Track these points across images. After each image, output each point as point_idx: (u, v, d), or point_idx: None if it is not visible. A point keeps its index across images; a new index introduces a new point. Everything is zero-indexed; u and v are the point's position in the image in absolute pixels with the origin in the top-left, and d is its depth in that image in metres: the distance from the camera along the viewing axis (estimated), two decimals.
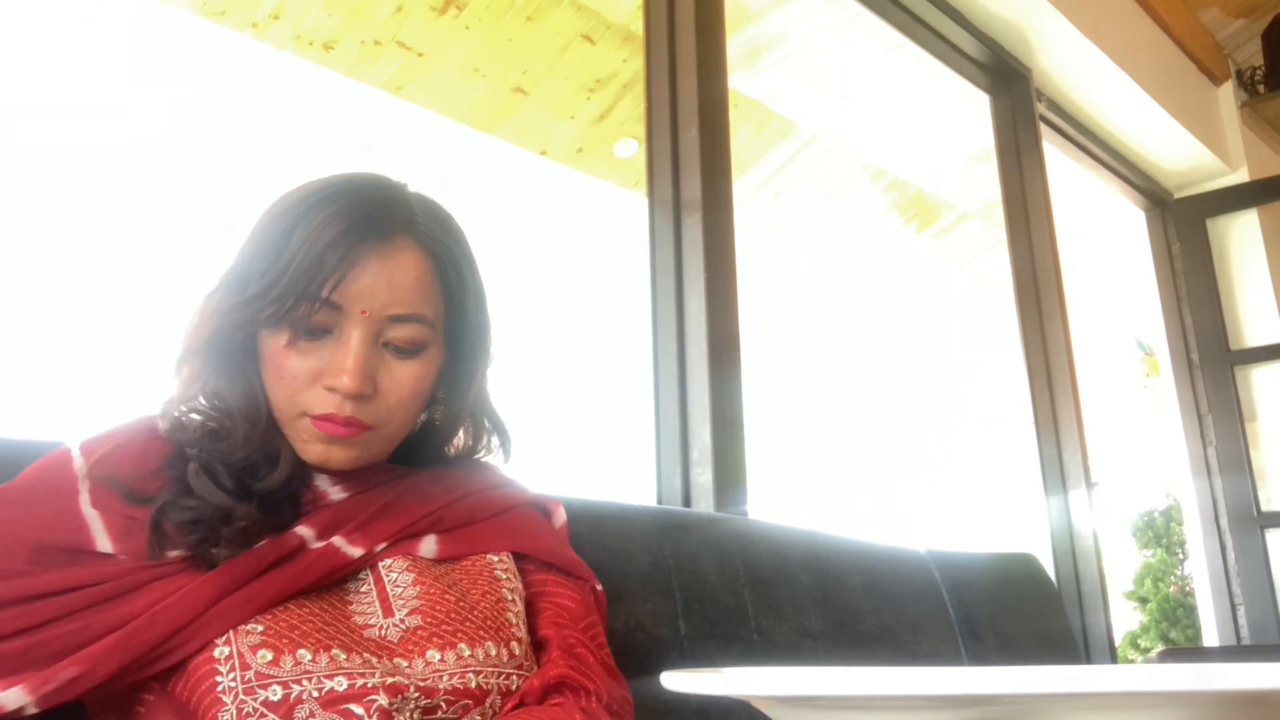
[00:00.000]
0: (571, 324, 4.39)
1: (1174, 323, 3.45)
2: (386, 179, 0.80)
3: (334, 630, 0.70)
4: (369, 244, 0.74)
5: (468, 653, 0.73)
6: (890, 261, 4.85)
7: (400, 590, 0.75)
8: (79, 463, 0.72)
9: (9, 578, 0.66)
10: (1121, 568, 5.58)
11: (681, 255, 1.72)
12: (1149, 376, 5.38)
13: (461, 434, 0.87)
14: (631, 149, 3.68)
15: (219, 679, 0.65)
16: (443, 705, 0.70)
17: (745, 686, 0.50)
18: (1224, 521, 3.24)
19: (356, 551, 0.75)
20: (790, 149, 3.93)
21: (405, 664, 0.71)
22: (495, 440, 0.88)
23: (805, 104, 3.51)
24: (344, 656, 0.68)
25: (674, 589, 1.20)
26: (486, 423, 0.87)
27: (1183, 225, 3.48)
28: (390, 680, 0.68)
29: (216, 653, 0.66)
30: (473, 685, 0.72)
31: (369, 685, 0.67)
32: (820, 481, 5.64)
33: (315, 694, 0.66)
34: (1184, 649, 4.97)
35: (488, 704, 0.72)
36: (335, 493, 0.78)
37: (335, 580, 0.74)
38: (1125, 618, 5.46)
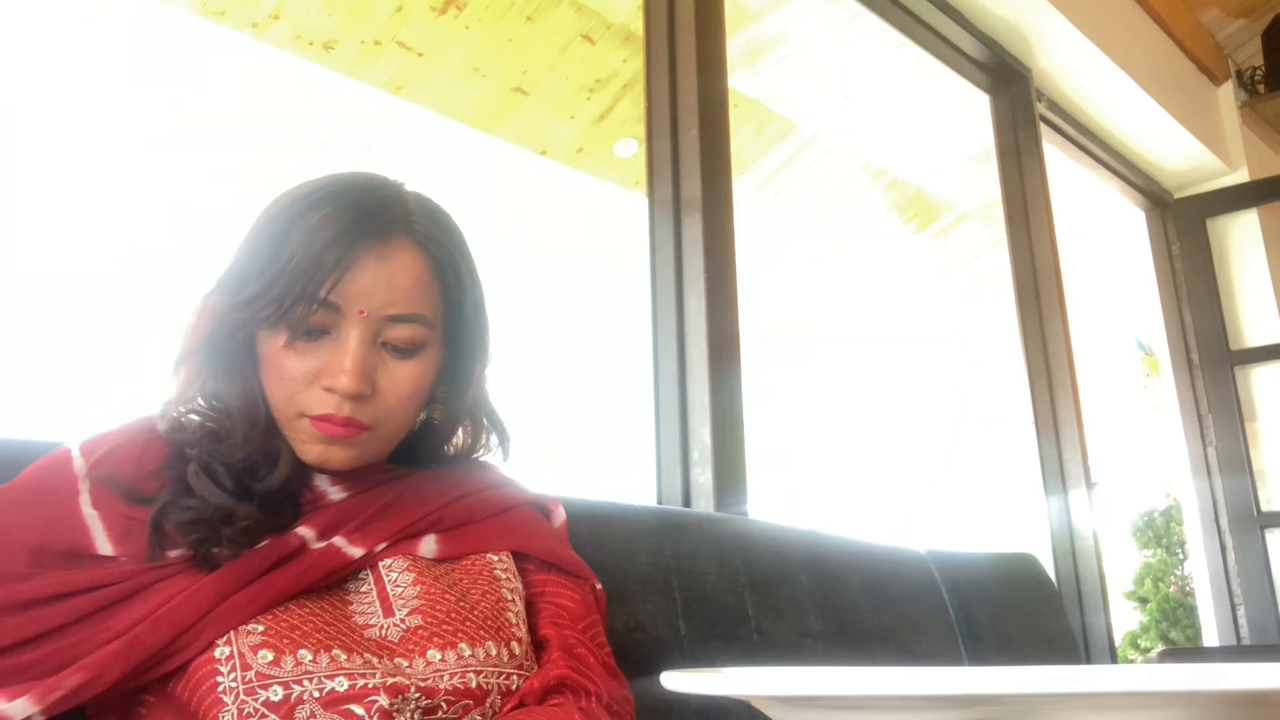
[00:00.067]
0: (571, 324, 4.39)
1: (1174, 323, 3.45)
2: (384, 178, 0.80)
3: (335, 630, 0.70)
4: (367, 244, 0.74)
5: (468, 652, 0.73)
6: (890, 261, 4.85)
7: (400, 590, 0.75)
8: (79, 463, 0.72)
9: (11, 581, 0.65)
10: (1121, 568, 5.58)
11: (681, 255, 1.72)
12: (1149, 376, 5.38)
13: (461, 433, 0.87)
14: (631, 149, 3.68)
15: (220, 679, 0.65)
16: (443, 705, 0.70)
17: (745, 686, 0.50)
18: (1224, 521, 3.24)
19: (357, 552, 0.75)
20: (790, 149, 3.93)
21: (406, 664, 0.71)
22: (494, 439, 0.88)
23: (805, 104, 3.51)
24: (345, 657, 0.68)
25: (674, 589, 1.20)
26: (485, 422, 0.87)
27: (1183, 225, 3.48)
28: (391, 680, 0.68)
29: (217, 653, 0.66)
30: (473, 685, 0.72)
31: (370, 685, 0.67)
32: (820, 481, 5.64)
33: (316, 694, 0.66)
34: (1184, 649, 4.97)
35: (488, 704, 0.72)
36: (335, 493, 0.78)
37: (336, 580, 0.74)
38: (1125, 618, 5.46)
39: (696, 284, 1.68)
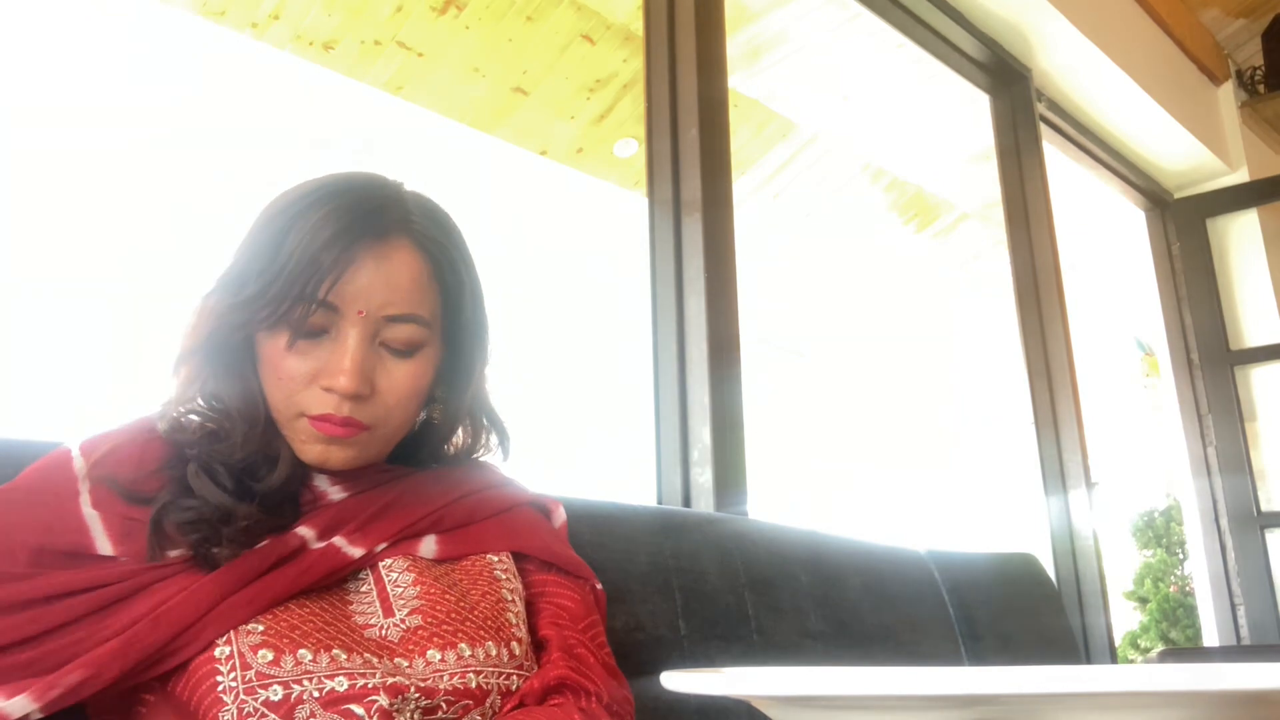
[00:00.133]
0: (571, 324, 4.39)
1: (1174, 323, 3.45)
2: (382, 178, 0.80)
3: (334, 630, 0.70)
4: (365, 244, 0.74)
5: (468, 653, 0.73)
6: (890, 261, 4.85)
7: (400, 590, 0.75)
8: (79, 463, 0.72)
9: (11, 581, 0.65)
10: (1121, 568, 5.58)
11: (681, 255, 1.72)
12: (1149, 376, 5.38)
13: (460, 433, 0.87)
14: (631, 149, 3.68)
15: (220, 679, 0.65)
16: (443, 705, 0.70)
17: (745, 686, 0.50)
18: (1224, 521, 3.24)
19: (357, 552, 0.75)
20: (790, 149, 3.93)
21: (406, 664, 0.71)
22: (494, 439, 0.88)
23: (805, 104, 3.51)
24: (344, 656, 0.68)
25: (674, 589, 1.20)
26: (485, 421, 0.87)
27: (1183, 225, 3.48)
28: (391, 680, 0.68)
29: (217, 653, 0.66)
30: (473, 685, 0.72)
31: (370, 685, 0.67)
32: (820, 481, 5.64)
33: (316, 694, 0.66)
34: (1184, 649, 4.97)
35: (488, 704, 0.72)
36: (335, 493, 0.78)
37: (336, 580, 0.74)
38: (1125, 618, 5.46)
39: (696, 284, 1.68)
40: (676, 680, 0.56)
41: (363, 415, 0.75)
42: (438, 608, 0.74)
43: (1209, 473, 3.29)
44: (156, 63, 3.06)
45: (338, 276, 0.72)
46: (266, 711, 0.64)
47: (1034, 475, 2.60)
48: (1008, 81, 2.84)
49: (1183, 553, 5.46)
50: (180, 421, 0.76)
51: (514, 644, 0.76)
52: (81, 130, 3.03)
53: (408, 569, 0.77)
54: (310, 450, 0.75)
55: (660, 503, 1.64)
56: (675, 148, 1.77)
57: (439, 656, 0.72)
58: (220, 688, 0.65)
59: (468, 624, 0.74)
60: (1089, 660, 2.36)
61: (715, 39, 1.85)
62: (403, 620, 0.73)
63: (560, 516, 0.93)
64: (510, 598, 0.80)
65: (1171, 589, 5.42)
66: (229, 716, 0.64)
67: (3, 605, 0.64)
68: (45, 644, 0.64)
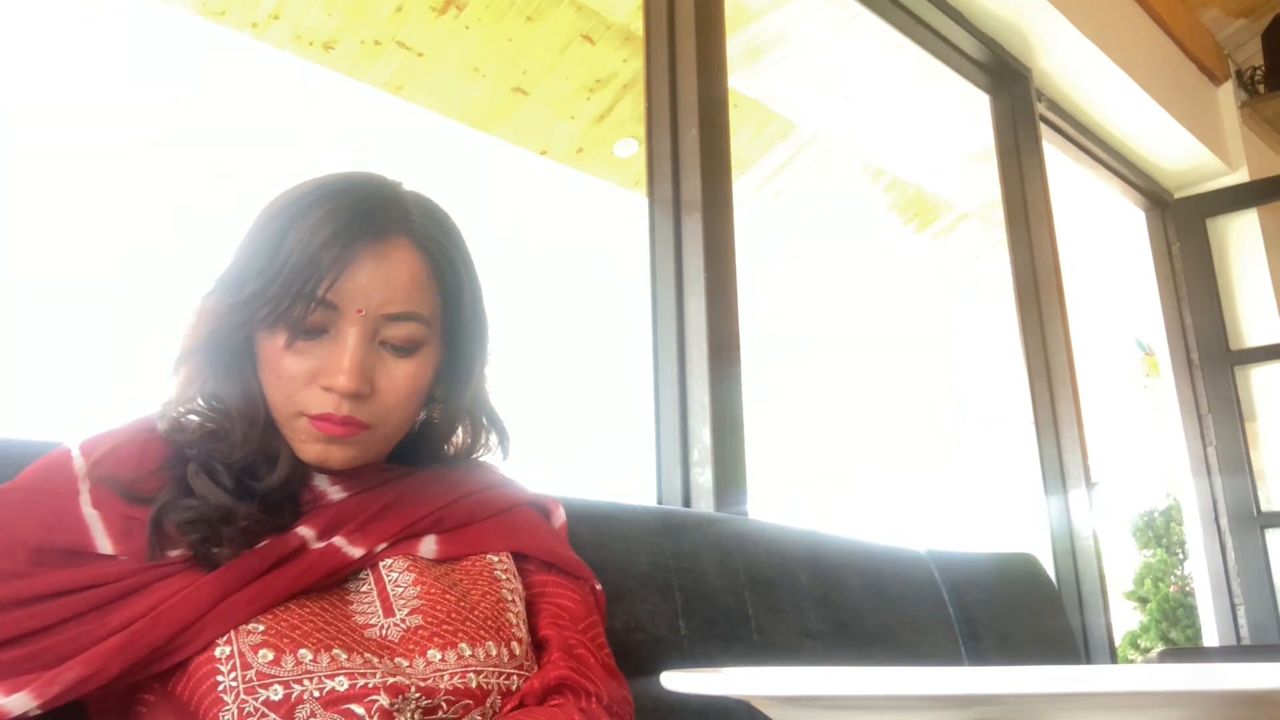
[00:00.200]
0: (571, 324, 4.39)
1: (1174, 323, 3.45)
2: (381, 177, 0.80)
3: (335, 630, 0.70)
4: (364, 243, 0.74)
5: (468, 652, 0.73)
6: (890, 261, 4.85)
7: (401, 590, 0.75)
8: (79, 463, 0.72)
9: (11, 579, 0.65)
10: (1121, 568, 5.58)
11: (681, 255, 1.72)
12: (1149, 376, 5.38)
13: (460, 432, 0.87)
14: (631, 149, 3.68)
15: (220, 679, 0.65)
16: (443, 705, 0.70)
17: (745, 686, 0.50)
18: (1224, 521, 3.24)
19: (357, 552, 0.75)
20: (790, 149, 3.93)
21: (406, 664, 0.71)
22: (494, 439, 0.88)
23: (805, 104, 3.51)
24: (345, 656, 0.68)
25: (674, 589, 1.20)
26: (485, 421, 0.87)
27: (1183, 225, 3.48)
28: (391, 680, 0.68)
29: (217, 652, 0.66)
30: (473, 685, 0.72)
31: (370, 685, 0.67)
32: (820, 481, 5.64)
33: (316, 694, 0.66)
34: (1184, 649, 4.97)
35: (488, 704, 0.72)
36: (334, 492, 0.78)
37: (336, 580, 0.74)
38: (1125, 618, 5.47)
39: (696, 284, 1.68)
40: (676, 680, 0.56)
41: (362, 414, 0.75)
42: (438, 607, 0.74)
43: (1209, 473, 3.29)
44: (156, 63, 3.06)
45: (337, 275, 0.72)
46: (267, 711, 0.64)
47: (1034, 475, 2.60)
48: (1008, 81, 2.84)
49: (1183, 553, 5.46)
50: (180, 421, 0.76)
51: (514, 644, 0.76)
52: (81, 130, 3.03)
53: (408, 569, 0.77)
54: (310, 450, 0.75)
55: (660, 503, 1.64)
56: (675, 148, 1.77)
57: (439, 656, 0.72)
58: (220, 687, 0.65)
59: (468, 624, 0.74)
60: (1089, 660, 2.36)
61: (715, 39, 1.85)
62: (403, 620, 0.73)
63: (560, 517, 0.93)
64: (510, 598, 0.80)
65: (1171, 589, 5.42)
66: (229, 716, 0.64)
67: (3, 602, 0.64)
68: (44, 640, 0.64)
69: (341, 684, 0.67)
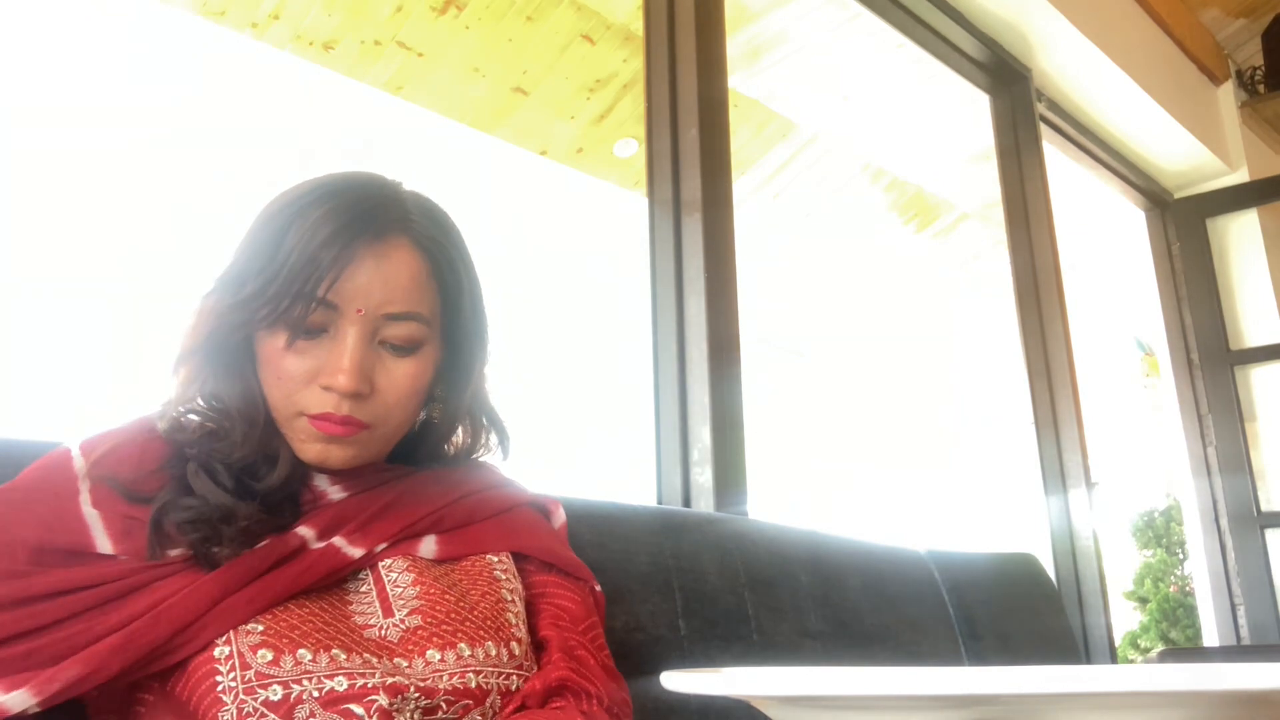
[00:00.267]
0: (571, 324, 4.39)
1: (1174, 323, 3.45)
2: (381, 177, 0.80)
3: (334, 630, 0.70)
4: (363, 242, 0.74)
5: (468, 653, 0.73)
6: (890, 261, 4.85)
7: (400, 590, 0.75)
8: (79, 462, 0.72)
9: (11, 579, 0.65)
10: (1121, 568, 5.58)
11: (681, 255, 1.72)
12: (1149, 376, 5.39)
13: (460, 432, 0.87)
14: (631, 149, 3.68)
15: (219, 679, 0.65)
16: (443, 705, 0.70)
17: (745, 686, 0.50)
18: (1224, 521, 3.24)
19: (357, 552, 0.75)
20: (790, 149, 3.93)
21: (405, 664, 0.71)
22: (494, 439, 0.88)
23: (805, 104, 3.51)
24: (344, 656, 0.68)
25: (674, 589, 1.20)
26: (485, 421, 0.87)
27: (1183, 225, 3.48)
28: (390, 680, 0.68)
29: (216, 652, 0.66)
30: (473, 685, 0.72)
31: (369, 685, 0.67)
32: (820, 481, 5.64)
33: (315, 694, 0.66)
34: (1184, 649, 4.97)
35: (488, 704, 0.72)
36: (334, 492, 0.78)
37: (335, 580, 0.74)
38: (1125, 618, 5.47)
39: (696, 284, 1.68)
40: (676, 680, 0.56)
41: (362, 414, 0.75)
42: (437, 608, 0.74)
43: (1209, 473, 3.29)
44: (156, 63, 3.06)
45: (336, 275, 0.72)
46: (266, 711, 0.64)
47: (1034, 475, 2.60)
48: (1008, 81, 2.84)
49: (1183, 553, 5.46)
50: (180, 421, 0.76)
51: (514, 644, 0.76)
52: (81, 130, 3.03)
53: (407, 569, 0.77)
54: (310, 449, 0.75)
55: (660, 503, 1.64)
56: (675, 148, 1.77)
57: (438, 656, 0.72)
58: (220, 687, 0.65)
59: (467, 624, 0.74)
60: (1089, 660, 2.36)
61: (715, 39, 1.85)
62: (402, 620, 0.73)
63: (560, 517, 0.93)
64: (510, 598, 0.80)
65: (1171, 589, 5.42)
66: (228, 716, 0.64)
67: (2, 601, 0.64)
68: (43, 638, 0.64)
69: (341, 684, 0.67)
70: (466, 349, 0.82)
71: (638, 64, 3.20)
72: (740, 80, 3.25)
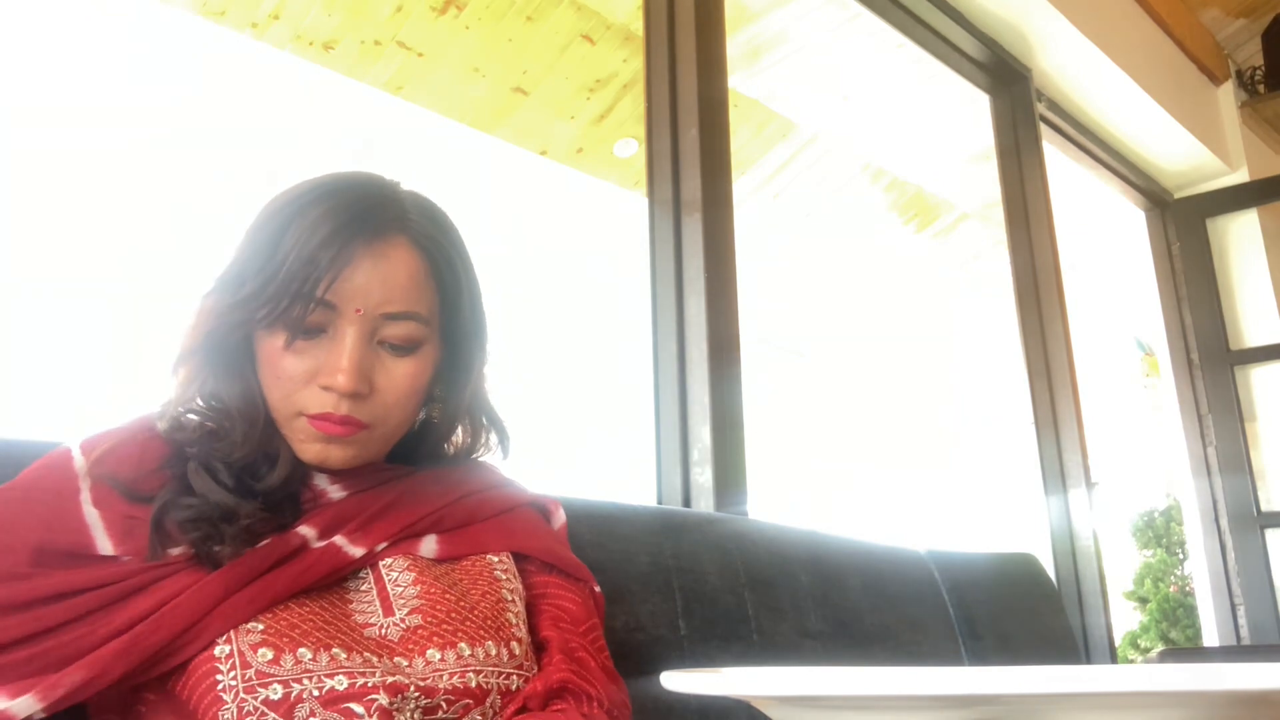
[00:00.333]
0: (571, 324, 4.39)
1: (1174, 323, 3.45)
2: (379, 177, 0.80)
3: (334, 629, 0.70)
4: (361, 242, 0.74)
5: (468, 652, 0.73)
6: (890, 261, 4.85)
7: (401, 589, 0.75)
8: (79, 461, 0.72)
9: (12, 581, 0.65)
10: (1121, 568, 5.58)
11: (681, 255, 1.72)
12: (1149, 376, 5.39)
13: (460, 432, 0.87)
14: (631, 149, 3.68)
15: (219, 678, 0.65)
16: (443, 705, 0.70)
17: (745, 686, 0.50)
18: (1224, 521, 3.24)
19: (358, 551, 0.75)
20: (790, 149, 3.93)
21: (405, 663, 0.71)
22: (494, 438, 0.88)
23: (805, 104, 3.51)
24: (344, 655, 0.68)
25: (674, 589, 1.20)
26: (485, 420, 0.87)
27: (1183, 225, 3.48)
28: (390, 679, 0.68)
29: (217, 651, 0.66)
30: (473, 685, 0.72)
31: (369, 684, 0.67)
32: (820, 481, 5.64)
33: (316, 693, 0.66)
34: (1184, 649, 4.97)
35: (488, 703, 0.72)
36: (334, 492, 0.78)
37: (336, 579, 0.74)
38: (1125, 618, 5.47)
39: (696, 284, 1.68)
40: (676, 680, 0.56)
41: (361, 413, 0.75)
42: (437, 607, 0.74)
43: (1209, 473, 3.29)
44: (156, 63, 3.06)
45: (335, 275, 0.72)
46: (266, 710, 0.64)
47: (1034, 475, 2.60)
48: (1008, 81, 2.84)
49: (1183, 553, 5.46)
50: (180, 420, 0.76)
51: (514, 644, 0.76)
52: (81, 130, 3.03)
53: (408, 568, 0.77)
54: (309, 449, 0.75)
55: (660, 503, 1.64)
56: (675, 148, 1.77)
57: (438, 656, 0.72)
58: (220, 686, 0.65)
59: (467, 624, 0.74)
60: (1089, 660, 2.36)
61: (715, 39, 1.85)
62: (402, 620, 0.73)
63: (560, 518, 0.93)
64: (510, 598, 0.80)
65: (1171, 589, 5.42)
66: (229, 715, 0.64)
67: (5, 605, 0.64)
68: (46, 642, 0.64)
69: (341, 683, 0.67)
70: (466, 348, 0.82)
71: (638, 64, 3.20)
72: (740, 80, 3.25)
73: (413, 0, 2.96)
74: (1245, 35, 3.64)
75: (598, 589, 0.88)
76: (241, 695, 0.65)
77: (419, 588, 0.75)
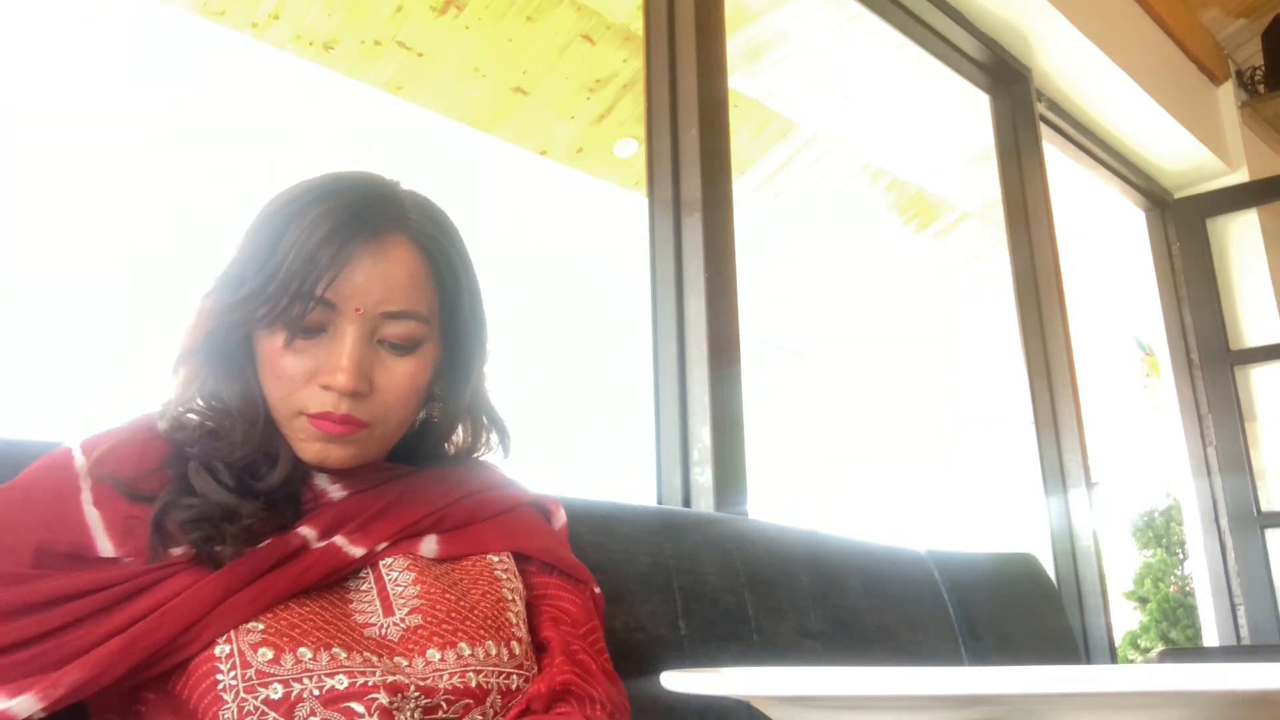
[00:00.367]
0: (571, 324, 4.39)
1: (1174, 323, 3.45)
2: (378, 176, 0.80)
3: (334, 629, 0.70)
4: (360, 241, 0.74)
5: (468, 652, 0.73)
6: (890, 261, 4.85)
7: (401, 589, 0.75)
8: (80, 461, 0.72)
9: (14, 583, 0.65)
10: (1121, 568, 5.58)
11: (681, 255, 1.72)
12: (1149, 376, 5.39)
13: (461, 431, 0.87)
14: (631, 149, 3.68)
15: (220, 677, 0.65)
16: (443, 705, 0.70)
17: (745, 686, 0.50)
18: (1224, 521, 3.24)
19: (358, 551, 0.75)
20: (790, 149, 3.93)
21: (405, 663, 0.71)
22: (494, 438, 0.88)
23: (805, 104, 3.51)
24: (344, 655, 0.68)
25: (674, 589, 1.20)
26: (485, 420, 0.87)
27: (1183, 225, 3.48)
28: (390, 679, 0.68)
29: (217, 651, 0.66)
30: (473, 684, 0.72)
31: (369, 684, 0.67)
32: (820, 481, 5.64)
33: (316, 692, 0.66)
34: (1184, 649, 4.97)
35: (488, 703, 0.72)
36: (335, 491, 0.78)
37: (336, 579, 0.74)
38: (1125, 618, 5.47)
39: (696, 284, 1.68)
40: (676, 680, 0.56)
41: (361, 413, 0.74)
42: (437, 607, 0.75)
43: (1209, 473, 3.29)
44: (156, 63, 3.06)
45: (335, 274, 0.72)
46: (266, 710, 0.64)
47: (1034, 475, 2.60)
48: (1008, 81, 2.84)
49: (1183, 553, 5.46)
50: (180, 420, 0.76)
51: (514, 643, 0.76)
52: (81, 130, 3.03)
53: (408, 568, 0.77)
54: (309, 449, 0.75)
55: (660, 503, 1.64)
56: (675, 148, 1.77)
57: (438, 656, 0.72)
58: (220, 686, 0.65)
59: (467, 623, 0.74)
60: (1089, 660, 2.36)
61: (715, 39, 1.85)
62: (402, 619, 0.73)
63: (561, 518, 0.93)
64: (510, 597, 0.80)
65: (1171, 589, 5.42)
66: (229, 715, 0.64)
67: (6, 609, 0.64)
68: (47, 642, 0.64)
69: (341, 682, 0.67)
70: (466, 348, 0.82)
71: (638, 64, 3.20)
72: (740, 80, 3.25)
73: (413, 0, 2.96)
74: (1245, 35, 3.64)
75: (598, 590, 0.88)
76: (242, 695, 0.65)
77: (419, 587, 0.75)
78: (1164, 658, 3.24)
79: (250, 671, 0.65)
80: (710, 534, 1.31)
